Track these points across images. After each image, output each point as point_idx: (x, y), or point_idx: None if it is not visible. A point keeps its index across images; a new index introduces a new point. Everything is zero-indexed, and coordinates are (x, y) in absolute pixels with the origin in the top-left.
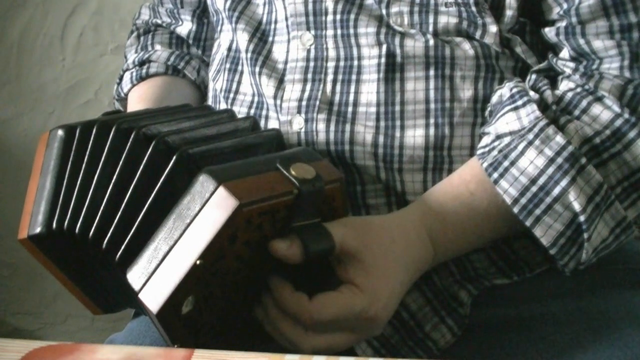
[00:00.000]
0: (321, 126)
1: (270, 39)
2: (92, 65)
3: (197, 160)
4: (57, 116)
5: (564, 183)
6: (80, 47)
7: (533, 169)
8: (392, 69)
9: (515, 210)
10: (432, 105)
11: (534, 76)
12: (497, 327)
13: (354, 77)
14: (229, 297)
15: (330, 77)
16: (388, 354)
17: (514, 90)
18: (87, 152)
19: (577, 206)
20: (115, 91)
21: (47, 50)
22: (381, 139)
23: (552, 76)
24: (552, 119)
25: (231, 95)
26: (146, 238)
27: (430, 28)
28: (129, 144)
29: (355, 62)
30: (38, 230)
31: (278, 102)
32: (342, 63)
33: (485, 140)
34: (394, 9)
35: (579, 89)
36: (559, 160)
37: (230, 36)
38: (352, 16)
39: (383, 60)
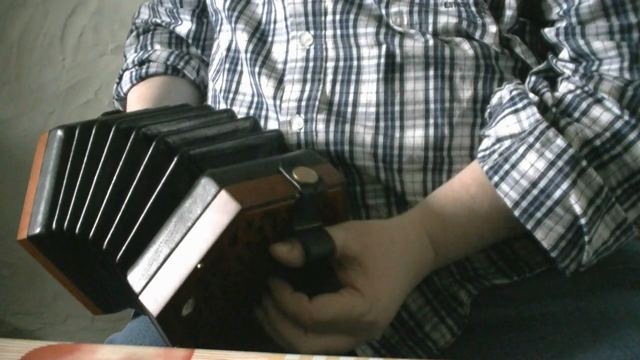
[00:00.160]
0: (321, 126)
1: (270, 39)
2: (92, 65)
3: (198, 161)
4: (57, 116)
5: (564, 186)
6: (80, 47)
7: (534, 172)
8: (392, 69)
9: (516, 213)
10: (432, 106)
11: (533, 78)
12: (497, 327)
13: (353, 77)
14: (229, 298)
15: (329, 77)
16: (388, 354)
17: (514, 92)
18: (87, 152)
19: (578, 209)
20: (114, 91)
21: (47, 50)
22: (381, 139)
23: (552, 77)
24: (552, 122)
25: (231, 95)
26: (147, 239)
27: (430, 28)
28: (129, 144)
29: (355, 62)
30: (38, 230)
31: (277, 102)
32: (341, 63)
33: (486, 143)
34: (394, 8)
35: (578, 91)
36: (560, 163)
37: (230, 36)
38: (352, 16)
39: (382, 60)
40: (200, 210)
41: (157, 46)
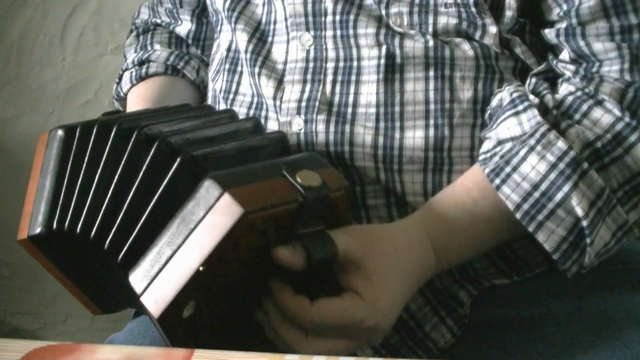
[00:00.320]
0: (321, 127)
1: (270, 39)
2: (92, 65)
3: (201, 162)
4: (57, 116)
5: (566, 188)
6: (80, 47)
7: (535, 174)
8: (392, 70)
9: (518, 216)
10: (432, 106)
11: (533, 80)
12: (497, 327)
13: (353, 77)
14: (230, 300)
15: (329, 77)
16: (388, 354)
17: (514, 94)
18: (88, 152)
19: (579, 211)
20: (114, 91)
21: (47, 50)
22: (381, 139)
23: (552, 78)
24: (553, 124)
25: (231, 95)
26: (148, 240)
27: (430, 29)
28: (130, 144)
29: (355, 63)
30: (38, 230)
31: (277, 102)
32: (341, 64)
33: (487, 145)
34: (394, 9)
35: (579, 93)
36: (561, 165)
37: (230, 36)
38: (352, 17)
39: (383, 61)
40: (203, 213)
41: (157, 46)
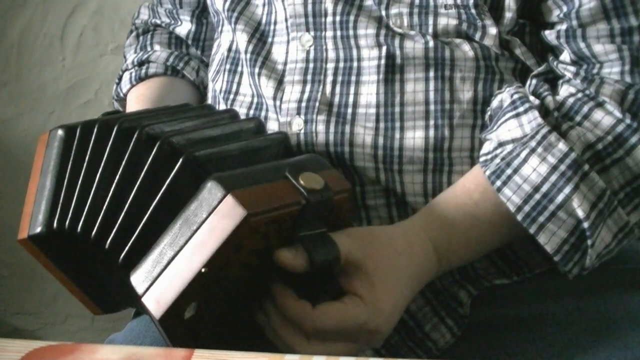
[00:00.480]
0: (321, 127)
1: (270, 39)
2: (92, 65)
3: (204, 163)
4: (57, 116)
5: (567, 190)
6: (80, 47)
7: (536, 176)
8: (392, 70)
9: (519, 217)
10: (432, 107)
11: (534, 81)
12: (497, 327)
13: (353, 78)
14: (231, 302)
15: (329, 78)
16: (388, 354)
17: (515, 96)
18: (88, 152)
19: (580, 213)
20: (114, 91)
21: (47, 50)
22: (381, 140)
23: (552, 79)
24: (553, 126)
25: (231, 96)
26: (150, 240)
27: (430, 29)
28: (131, 144)
29: (355, 64)
30: (38, 230)
31: (277, 103)
32: (341, 64)
33: (487, 147)
34: (394, 10)
35: (579, 94)
36: (562, 167)
37: (231, 37)
38: (352, 17)
39: (383, 61)
40: (206, 215)
41: (156, 47)
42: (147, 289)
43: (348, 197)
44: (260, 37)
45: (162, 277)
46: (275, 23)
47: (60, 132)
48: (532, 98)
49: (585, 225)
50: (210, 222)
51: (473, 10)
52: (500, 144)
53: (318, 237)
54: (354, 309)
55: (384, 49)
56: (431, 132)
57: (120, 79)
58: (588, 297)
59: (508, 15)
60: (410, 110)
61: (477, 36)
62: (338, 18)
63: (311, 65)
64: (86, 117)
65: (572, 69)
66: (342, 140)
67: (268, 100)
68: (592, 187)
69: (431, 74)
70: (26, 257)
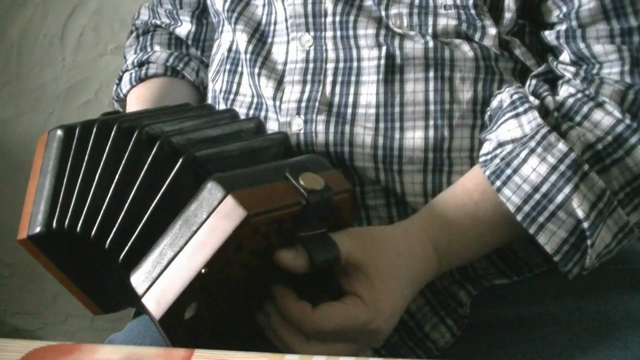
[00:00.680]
0: (320, 127)
1: (270, 40)
2: (92, 65)
3: (204, 163)
4: (57, 116)
5: (567, 190)
6: (80, 47)
7: (536, 176)
8: (392, 71)
9: (519, 218)
10: (432, 107)
11: (534, 81)
12: (497, 327)
13: (353, 78)
14: (232, 302)
15: (329, 78)
16: (388, 354)
17: (515, 96)
18: (88, 151)
19: (580, 213)
20: (114, 92)
21: (47, 50)
22: (380, 140)
23: (552, 79)
24: (553, 126)
25: (231, 96)
26: (150, 240)
27: (430, 30)
28: (131, 144)
29: (355, 64)
30: (38, 230)
31: (277, 103)
32: (341, 64)
33: (487, 147)
34: (393, 10)
35: (579, 95)
36: (562, 167)
37: (231, 37)
38: (352, 18)
39: (382, 61)
40: (206, 215)
41: (156, 47)
42: (147, 289)
43: (348, 198)
44: (260, 37)
45: (162, 278)
46: (275, 23)
47: (59, 132)
48: (531, 98)
49: (585, 225)
50: (211, 223)
51: (472, 11)
52: (500, 144)
53: (318, 237)
54: (354, 309)
55: (384, 49)
56: (431, 132)
57: (120, 79)
58: (588, 297)
59: (508, 15)
60: (410, 111)
61: (477, 36)
62: (338, 18)
63: (311, 65)
64: (86, 117)
65: (572, 69)
66: (341, 140)
67: (268, 101)
68: (592, 187)
69: (431, 74)
70: (26, 257)
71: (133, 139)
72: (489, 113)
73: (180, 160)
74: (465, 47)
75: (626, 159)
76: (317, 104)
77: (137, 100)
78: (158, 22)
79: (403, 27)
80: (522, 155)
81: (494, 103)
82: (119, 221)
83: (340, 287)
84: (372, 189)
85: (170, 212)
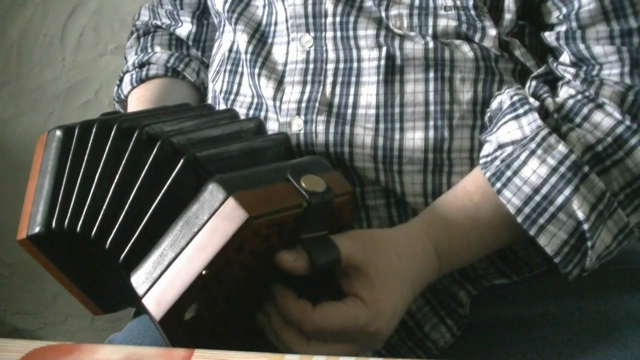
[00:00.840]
0: (320, 128)
1: (270, 40)
2: (92, 65)
3: (205, 164)
4: (57, 116)
5: (567, 192)
6: (80, 47)
7: (536, 178)
8: (392, 71)
9: (519, 219)
10: (432, 108)
11: (534, 83)
12: (497, 327)
13: (353, 79)
14: (232, 303)
15: (329, 79)
16: (388, 354)
17: (515, 98)
18: (87, 151)
19: (580, 215)
20: (115, 93)
21: (47, 50)
22: (380, 140)
23: (552, 80)
24: (553, 128)
25: (231, 96)
26: (150, 240)
27: (430, 31)
28: (131, 143)
29: (355, 64)
30: (37, 230)
31: (277, 103)
32: (341, 65)
33: (487, 149)
34: (393, 11)
35: (579, 96)
36: (562, 169)
37: (232, 37)
38: (352, 18)
39: (383, 62)
40: (207, 217)
41: (157, 48)
42: (148, 290)
43: (349, 200)
44: (260, 37)
45: (163, 279)
46: (275, 24)
47: (58, 132)
48: (531, 100)
49: (586, 226)
50: (212, 224)
51: (472, 12)
52: (500, 146)
53: (319, 239)
54: (355, 310)
55: (384, 49)
56: (431, 133)
57: (121, 81)
58: (588, 297)
59: (507, 16)
60: (410, 111)
61: (477, 37)
62: (338, 19)
63: (311, 65)
64: (86, 117)
65: (572, 70)
66: (341, 141)
67: (268, 101)
68: (592, 189)
69: (431, 74)
70: (26, 257)
71: (133, 138)
72: (488, 114)
73: (182, 160)
74: (465, 48)
75: (626, 160)
76: (317, 104)
77: (138, 101)
78: (158, 23)
79: (403, 27)
80: (523, 157)
81: (494, 104)
82: (119, 221)
83: (341, 289)
84: (372, 189)
85: (170, 212)
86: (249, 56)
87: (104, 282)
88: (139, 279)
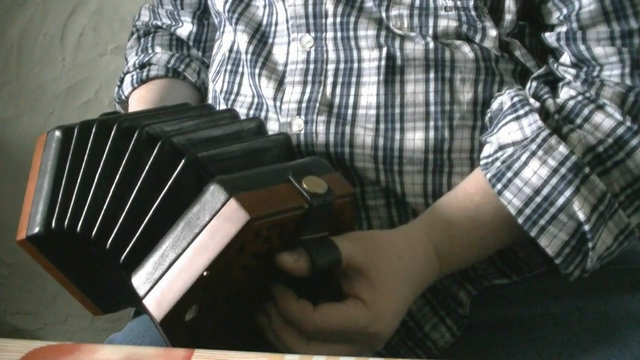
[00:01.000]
0: (321, 128)
1: (270, 40)
2: (92, 65)
3: (206, 164)
4: (57, 116)
5: (568, 193)
6: (80, 47)
7: (537, 179)
8: (392, 72)
9: (520, 220)
10: (432, 108)
11: (534, 83)
12: (497, 327)
13: (353, 79)
14: (232, 304)
15: (330, 79)
16: (388, 354)
17: (515, 99)
18: (87, 151)
19: (581, 216)
20: (116, 94)
21: (47, 50)
22: (381, 141)
23: (552, 81)
24: (554, 129)
25: (232, 97)
26: (151, 240)
27: (430, 31)
28: (132, 143)
29: (355, 65)
30: (36, 230)
31: (278, 103)
32: (342, 65)
33: (488, 150)
34: (394, 12)
35: (580, 97)
36: (563, 170)
37: (232, 37)
38: (352, 19)
39: (383, 62)
40: (208, 218)
41: (157, 49)
42: (149, 290)
43: (350, 201)
44: (260, 38)
45: (164, 280)
46: (276, 24)
47: (57, 133)
48: (532, 101)
49: (586, 227)
50: (213, 226)
51: (473, 12)
52: (501, 147)
53: (320, 240)
54: (355, 311)
55: (384, 50)
56: (431, 134)
57: (121, 81)
58: (588, 297)
59: (508, 17)
60: (410, 112)
61: (477, 38)
62: (338, 19)
63: (312, 66)
64: (86, 117)
65: (572, 71)
66: (342, 141)
67: (268, 101)
68: (593, 190)
69: (431, 75)
70: (26, 257)
71: (133, 138)
72: (489, 115)
73: (183, 161)
74: (466, 49)
75: (627, 161)
76: (317, 104)
77: (139, 102)
78: (159, 23)
79: (403, 28)
80: (523, 158)
81: (495, 105)
82: (120, 221)
83: (341, 290)
84: (372, 190)
85: (171, 212)
86: (249, 56)
87: (104, 283)
88: (139, 280)
